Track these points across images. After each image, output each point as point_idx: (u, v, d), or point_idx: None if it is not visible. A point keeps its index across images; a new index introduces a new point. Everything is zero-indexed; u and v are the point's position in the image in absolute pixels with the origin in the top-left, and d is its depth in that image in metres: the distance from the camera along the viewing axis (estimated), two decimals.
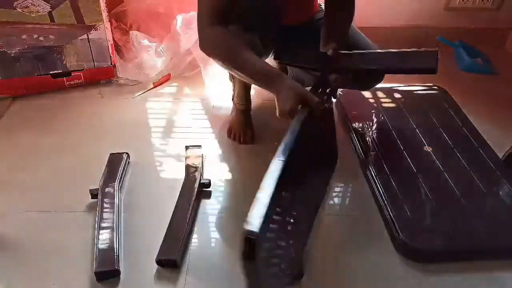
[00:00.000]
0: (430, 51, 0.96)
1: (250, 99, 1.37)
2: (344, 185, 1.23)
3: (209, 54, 1.03)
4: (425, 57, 0.97)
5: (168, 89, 1.65)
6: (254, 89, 1.60)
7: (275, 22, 1.15)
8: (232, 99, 1.42)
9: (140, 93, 1.61)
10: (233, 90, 1.39)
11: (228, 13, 1.01)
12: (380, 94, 1.53)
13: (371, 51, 1.10)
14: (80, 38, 1.54)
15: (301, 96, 0.90)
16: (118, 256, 0.95)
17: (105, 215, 1.04)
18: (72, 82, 1.61)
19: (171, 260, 0.95)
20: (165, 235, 1.00)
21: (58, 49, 1.53)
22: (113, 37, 1.66)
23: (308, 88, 0.96)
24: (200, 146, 1.29)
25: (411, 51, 0.99)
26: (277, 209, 0.78)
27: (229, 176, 1.23)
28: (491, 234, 1.01)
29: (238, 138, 1.35)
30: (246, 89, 1.32)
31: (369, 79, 1.24)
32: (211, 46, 1.01)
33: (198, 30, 1.03)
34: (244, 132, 1.35)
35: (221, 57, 1.00)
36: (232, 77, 1.35)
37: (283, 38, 1.27)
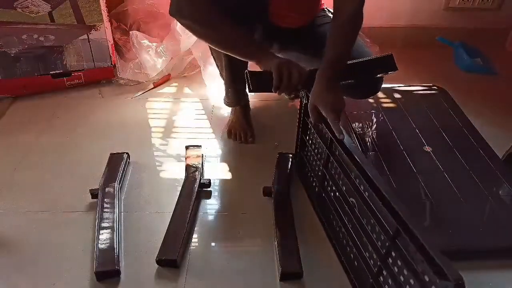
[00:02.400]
0: (387, 56, 1.10)
1: (242, 97, 1.35)
2: None
3: (184, 22, 1.04)
4: (387, 61, 1.10)
5: (168, 89, 1.65)
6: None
7: (264, 26, 1.16)
8: (224, 101, 1.40)
9: (140, 93, 1.61)
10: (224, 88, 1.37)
11: None
12: (380, 94, 1.53)
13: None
14: (80, 38, 1.54)
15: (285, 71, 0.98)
16: (118, 256, 0.95)
17: (105, 215, 1.04)
18: (72, 82, 1.61)
19: (171, 260, 0.95)
20: (165, 235, 1.00)
21: (58, 49, 1.53)
22: (113, 37, 1.66)
23: None
24: (200, 146, 1.29)
25: (374, 59, 1.12)
26: None
27: (229, 176, 1.23)
28: (491, 234, 1.01)
29: (239, 138, 1.35)
30: (234, 85, 1.30)
31: (365, 90, 1.24)
32: (191, 14, 1.00)
33: None
34: (245, 132, 1.35)
35: (203, 27, 1.01)
36: (221, 74, 1.32)
37: (279, 41, 1.26)
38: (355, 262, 0.92)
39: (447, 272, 0.61)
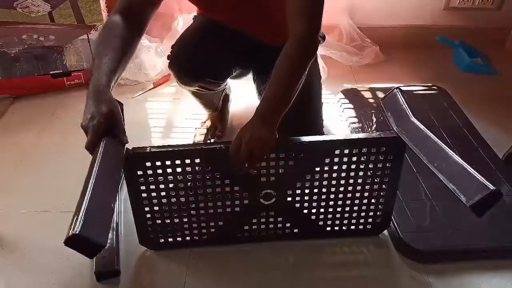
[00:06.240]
0: (492, 192, 0.78)
1: (215, 106, 1.34)
2: None
3: None
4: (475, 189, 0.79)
5: (168, 89, 1.65)
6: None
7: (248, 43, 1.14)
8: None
9: (140, 93, 1.61)
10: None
11: (139, 6, 0.95)
12: (380, 94, 1.53)
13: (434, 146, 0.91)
14: (80, 38, 1.54)
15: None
16: (118, 256, 0.95)
17: None
18: (72, 82, 1.61)
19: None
20: None
21: (58, 49, 1.53)
22: None
23: None
24: None
25: (472, 176, 0.83)
26: None
27: None
28: (490, 234, 1.01)
29: (212, 131, 1.36)
30: (200, 98, 1.29)
31: None
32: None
33: None
34: (215, 126, 1.36)
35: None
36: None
37: (262, 60, 1.10)
38: None
39: None
